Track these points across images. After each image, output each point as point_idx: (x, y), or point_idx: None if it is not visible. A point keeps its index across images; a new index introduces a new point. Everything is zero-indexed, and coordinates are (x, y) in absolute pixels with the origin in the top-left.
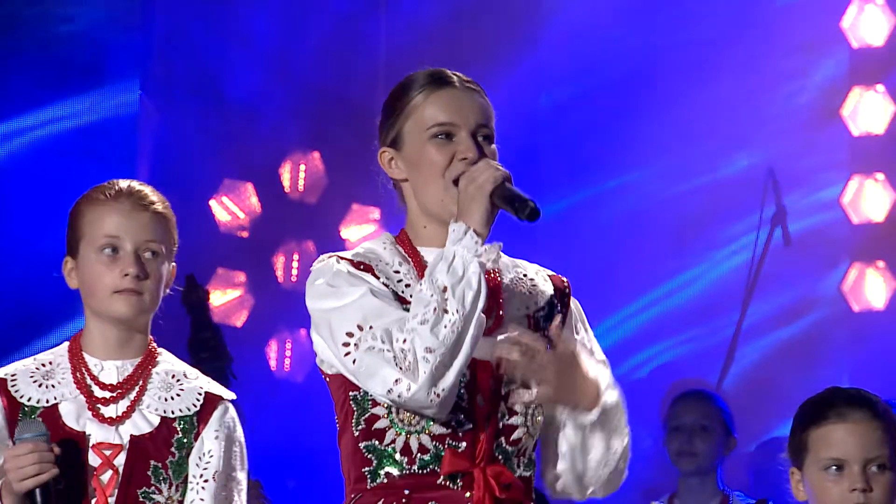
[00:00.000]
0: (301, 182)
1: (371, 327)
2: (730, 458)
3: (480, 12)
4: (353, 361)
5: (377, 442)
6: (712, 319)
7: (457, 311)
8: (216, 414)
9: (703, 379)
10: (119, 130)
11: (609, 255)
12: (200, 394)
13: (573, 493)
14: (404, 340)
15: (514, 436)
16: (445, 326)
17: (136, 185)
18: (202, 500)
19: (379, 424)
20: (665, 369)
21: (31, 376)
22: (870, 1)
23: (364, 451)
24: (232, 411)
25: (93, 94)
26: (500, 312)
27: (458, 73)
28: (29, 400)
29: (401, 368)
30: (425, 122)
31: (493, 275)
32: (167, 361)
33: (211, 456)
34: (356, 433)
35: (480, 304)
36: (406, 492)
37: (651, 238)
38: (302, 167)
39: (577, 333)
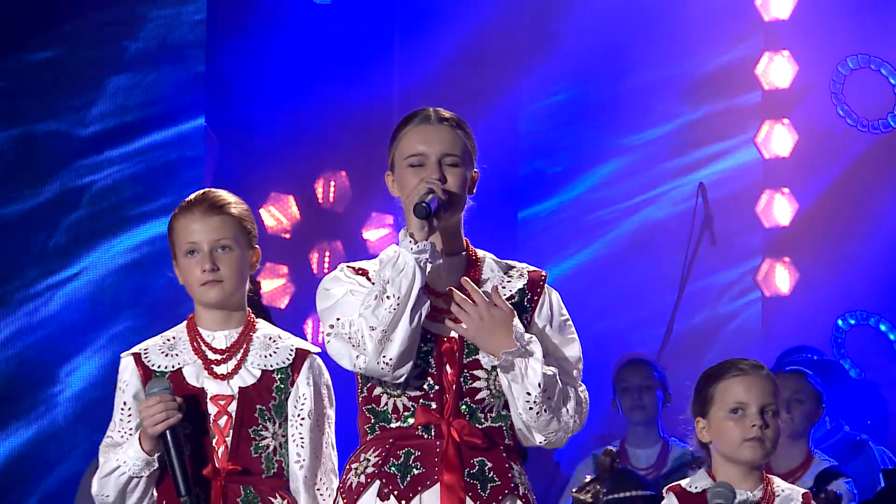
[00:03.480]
0: (331, 195)
1: (339, 319)
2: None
3: (472, 56)
4: (330, 348)
5: (375, 405)
6: (655, 303)
7: (394, 295)
8: (306, 364)
9: (645, 351)
10: (189, 155)
11: (577, 250)
12: (292, 350)
13: (526, 436)
14: (356, 324)
15: (479, 396)
16: (385, 309)
17: (208, 193)
18: (301, 434)
19: (376, 392)
20: (615, 342)
21: (160, 349)
22: (777, 52)
23: (366, 412)
24: (318, 361)
25: (169, 128)
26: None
27: (440, 111)
28: (158, 367)
29: (355, 346)
30: (404, 152)
31: (472, 272)
32: (264, 328)
33: (305, 398)
34: (360, 399)
35: (415, 290)
36: (391, 440)
37: (613, 238)
38: (332, 183)
39: (542, 312)
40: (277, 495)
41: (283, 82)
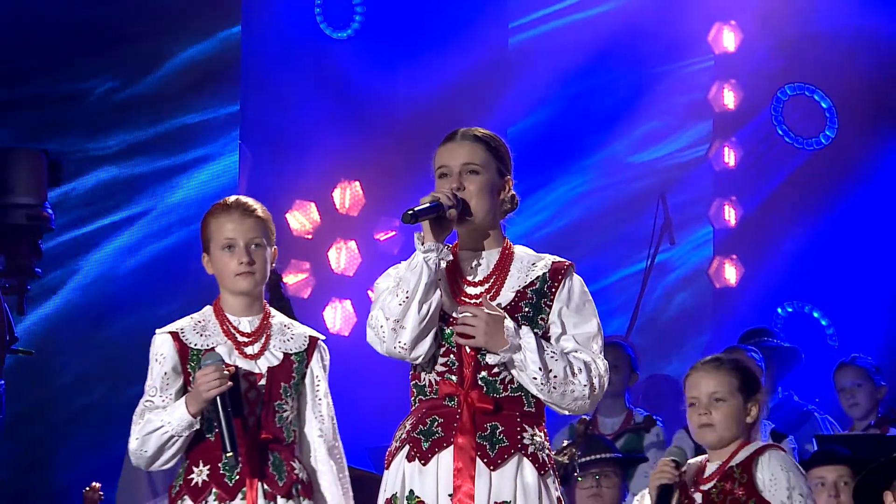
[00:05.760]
0: (347, 201)
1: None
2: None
3: (464, 83)
4: (368, 338)
5: (418, 381)
6: (623, 292)
7: (404, 290)
8: (317, 349)
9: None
10: (226, 168)
11: (555, 250)
12: (306, 337)
13: (554, 409)
14: (378, 317)
15: (495, 370)
16: (397, 302)
17: (242, 199)
18: (320, 412)
19: (418, 370)
20: None
21: (194, 329)
22: (726, 81)
23: (413, 387)
24: (323, 346)
25: (210, 145)
26: (500, 285)
27: (469, 129)
28: (195, 345)
29: (378, 335)
30: (435, 166)
31: (503, 265)
32: (277, 316)
33: (319, 379)
34: (410, 377)
35: (422, 284)
36: (424, 409)
37: (585, 235)
38: (348, 192)
39: (561, 296)
40: (295, 459)
41: (305, 105)
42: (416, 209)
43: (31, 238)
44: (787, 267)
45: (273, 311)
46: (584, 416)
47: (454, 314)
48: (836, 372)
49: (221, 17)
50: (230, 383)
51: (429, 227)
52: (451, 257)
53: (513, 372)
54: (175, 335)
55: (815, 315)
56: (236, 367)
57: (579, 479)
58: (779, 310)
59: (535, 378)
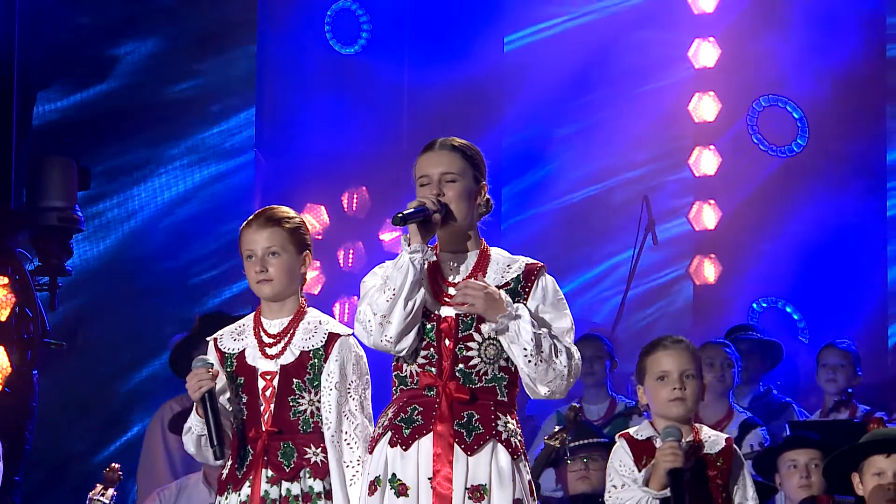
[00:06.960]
0: (354, 205)
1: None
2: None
3: (464, 97)
4: (355, 331)
5: (399, 372)
6: (610, 289)
7: (391, 288)
8: (336, 345)
9: (603, 327)
10: (242, 174)
11: (548, 247)
12: (325, 333)
13: (534, 390)
14: (366, 312)
15: (471, 363)
16: (384, 298)
17: (267, 210)
18: (329, 402)
19: (400, 362)
20: (580, 323)
21: (231, 334)
22: (705, 92)
23: (395, 378)
24: (348, 341)
25: (228, 153)
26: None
27: (446, 139)
28: (228, 349)
29: (365, 329)
30: (416, 174)
31: (480, 266)
32: (312, 316)
33: (332, 374)
34: (392, 368)
35: (408, 282)
36: (405, 399)
37: (573, 237)
38: (355, 196)
39: (535, 295)
40: (311, 446)
41: (316, 116)
42: (404, 213)
43: (62, 238)
44: (762, 265)
45: (310, 312)
46: (573, 404)
47: (436, 312)
48: (822, 350)
49: (239, 34)
50: (211, 384)
51: (416, 229)
52: (434, 258)
53: (503, 342)
54: (216, 341)
55: (788, 310)
56: (252, 370)
57: (569, 461)
58: (754, 305)
59: (525, 349)
